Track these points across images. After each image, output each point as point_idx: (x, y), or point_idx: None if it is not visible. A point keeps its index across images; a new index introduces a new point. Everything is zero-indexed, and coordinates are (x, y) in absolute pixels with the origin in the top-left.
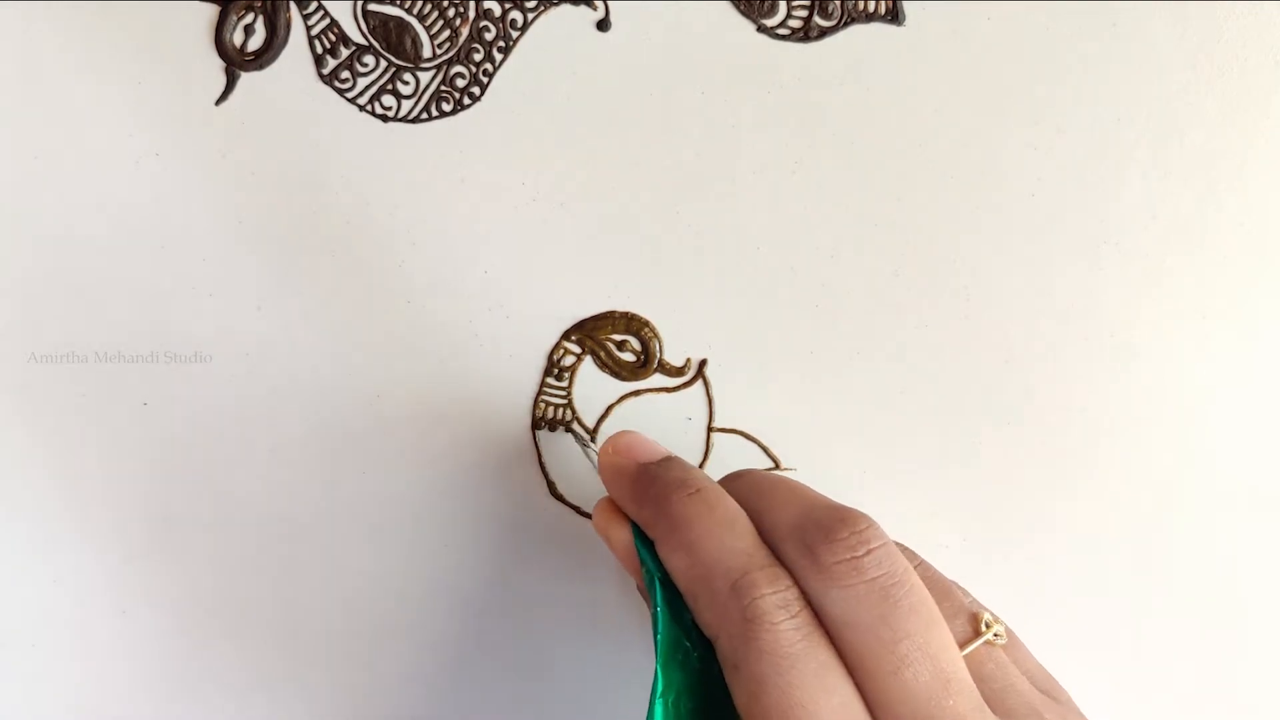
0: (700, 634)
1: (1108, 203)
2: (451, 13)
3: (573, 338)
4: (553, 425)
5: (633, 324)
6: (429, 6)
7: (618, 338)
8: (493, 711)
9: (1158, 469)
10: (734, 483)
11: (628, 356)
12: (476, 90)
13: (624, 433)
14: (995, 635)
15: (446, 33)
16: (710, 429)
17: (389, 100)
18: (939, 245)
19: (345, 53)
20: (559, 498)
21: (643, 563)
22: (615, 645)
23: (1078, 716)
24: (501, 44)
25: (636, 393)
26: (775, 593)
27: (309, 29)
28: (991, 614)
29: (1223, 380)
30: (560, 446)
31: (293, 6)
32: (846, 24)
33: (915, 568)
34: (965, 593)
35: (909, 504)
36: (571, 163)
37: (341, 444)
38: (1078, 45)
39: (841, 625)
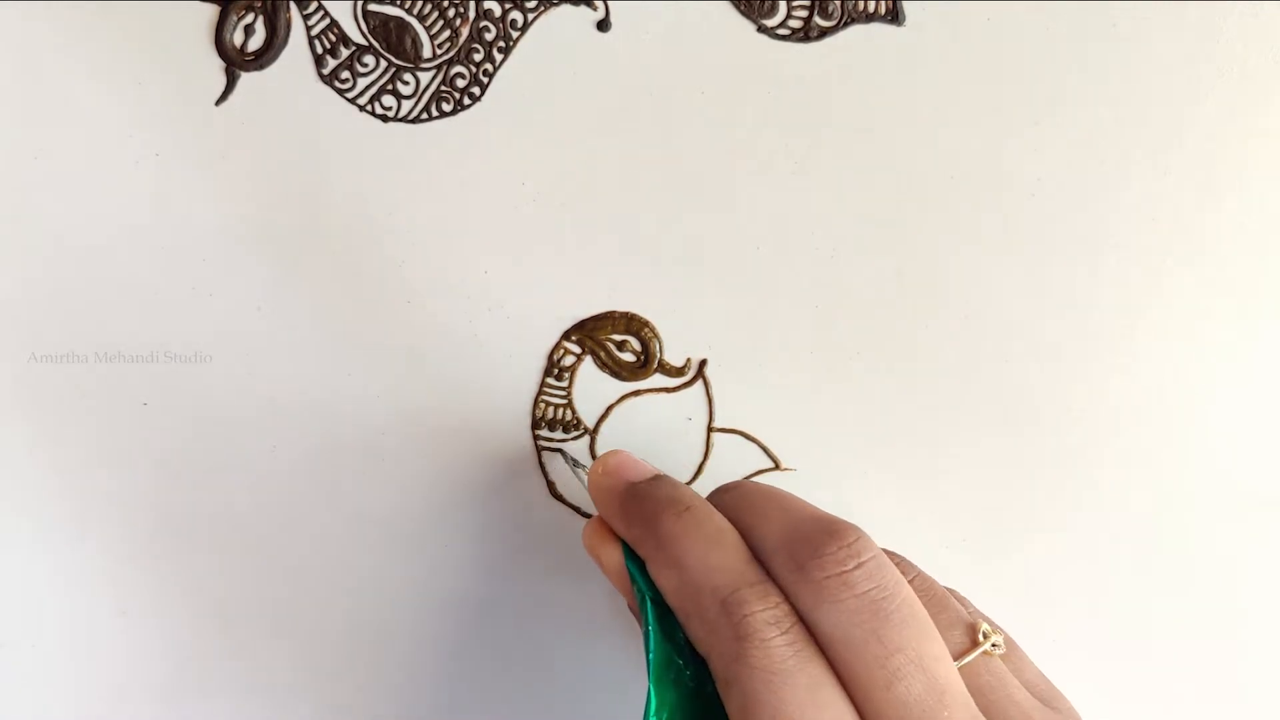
0: (693, 652)
1: (1108, 203)
2: (451, 13)
3: (573, 338)
4: (551, 431)
5: (633, 324)
6: (429, 6)
7: (618, 338)
8: (492, 711)
9: (1158, 468)
10: (723, 496)
11: (628, 356)
12: (476, 90)
13: (613, 453)
14: (994, 645)
15: (446, 33)
16: (710, 429)
17: (389, 100)
18: (939, 245)
19: (345, 53)
20: (559, 498)
21: (634, 582)
22: (615, 645)
23: None
24: (501, 44)
25: (636, 393)
26: (766, 609)
27: (309, 29)
28: (990, 624)
29: (1223, 380)
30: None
31: (293, 6)
32: (846, 24)
33: (912, 579)
34: (964, 602)
35: (909, 504)
36: (571, 163)
37: (341, 445)
38: (1078, 45)
39: (833, 640)
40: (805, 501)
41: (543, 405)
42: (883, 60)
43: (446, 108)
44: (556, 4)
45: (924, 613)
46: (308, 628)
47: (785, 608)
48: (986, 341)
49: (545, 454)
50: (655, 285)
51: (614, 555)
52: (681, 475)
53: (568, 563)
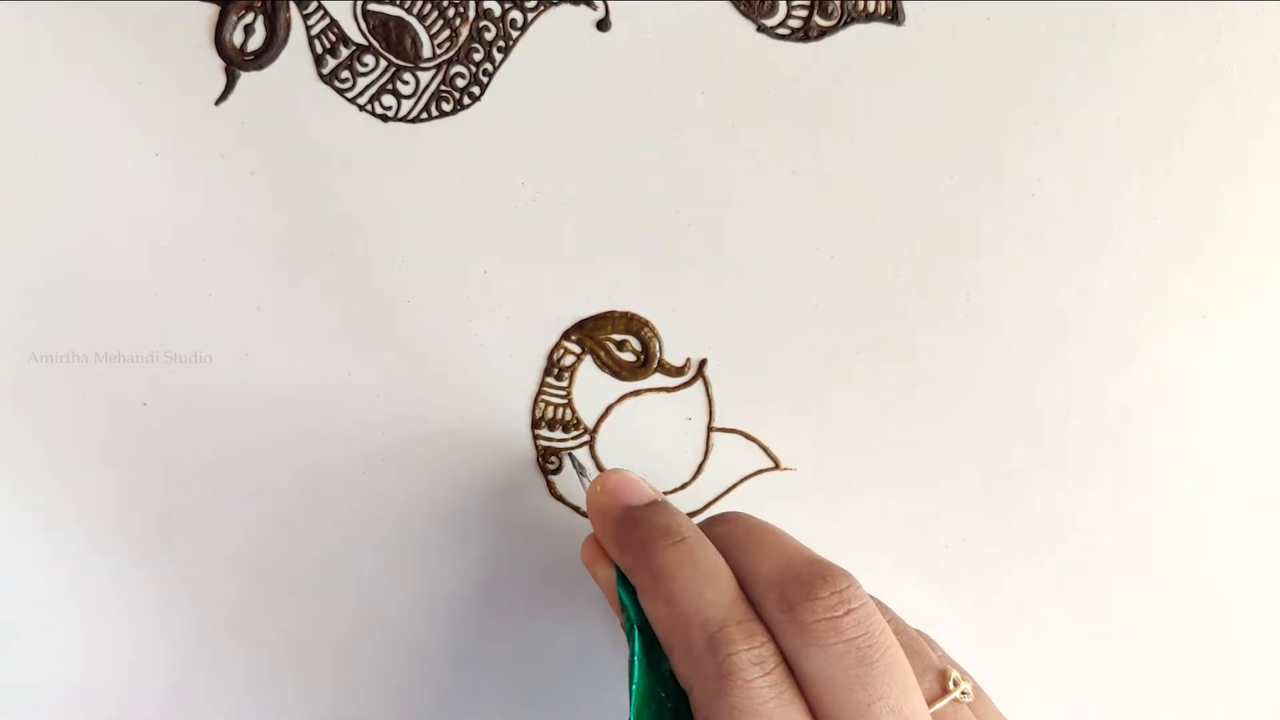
0: (677, 685)
1: (1108, 203)
2: (451, 13)
3: (573, 338)
4: (550, 431)
5: (633, 324)
6: (429, 6)
7: (618, 338)
8: (492, 710)
9: (1157, 468)
10: (718, 528)
11: (628, 356)
12: (476, 90)
13: (614, 472)
14: (963, 694)
15: (446, 33)
16: (710, 429)
17: (389, 100)
18: (939, 245)
19: (345, 53)
20: (559, 498)
21: (623, 608)
22: (615, 645)
23: None
24: (501, 44)
25: (636, 393)
26: (751, 649)
27: (309, 29)
28: (959, 670)
29: (1223, 380)
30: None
31: (293, 6)
32: (846, 24)
33: (888, 622)
34: (934, 646)
35: (909, 504)
36: (571, 163)
37: (341, 444)
38: (1078, 45)
39: (817, 683)
40: (799, 542)
41: (543, 405)
42: (883, 60)
43: (446, 107)
44: (556, 4)
45: (906, 663)
46: (307, 626)
47: (770, 648)
48: (986, 341)
49: (546, 454)
50: (655, 285)
51: (609, 574)
52: (681, 475)
53: (568, 563)
